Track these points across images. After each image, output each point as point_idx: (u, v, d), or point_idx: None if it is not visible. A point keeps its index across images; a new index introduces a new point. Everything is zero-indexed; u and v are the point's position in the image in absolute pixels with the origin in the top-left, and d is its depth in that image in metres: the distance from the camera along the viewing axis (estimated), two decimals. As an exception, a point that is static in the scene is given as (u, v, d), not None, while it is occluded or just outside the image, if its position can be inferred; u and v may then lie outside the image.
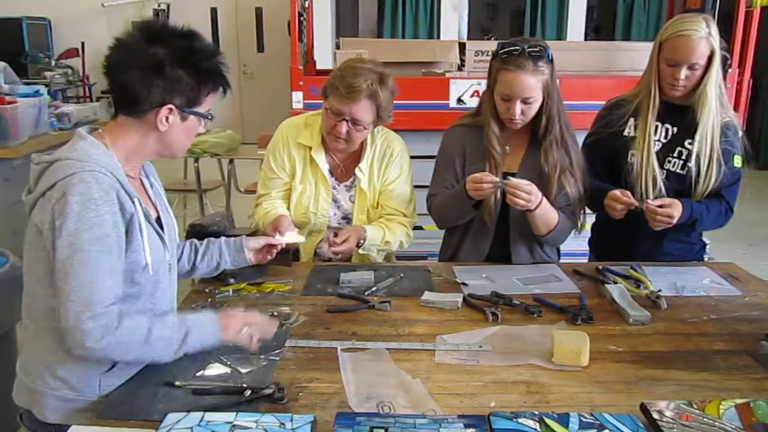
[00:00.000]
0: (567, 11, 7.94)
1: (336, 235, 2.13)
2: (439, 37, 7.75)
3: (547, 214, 2.07)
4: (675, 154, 2.17)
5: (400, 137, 2.38)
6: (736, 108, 3.64)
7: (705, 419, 1.23)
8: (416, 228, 2.44)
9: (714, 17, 4.02)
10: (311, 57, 4.44)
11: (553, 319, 1.75)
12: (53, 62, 8.03)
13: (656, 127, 2.17)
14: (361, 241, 2.17)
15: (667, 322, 1.75)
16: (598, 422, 1.22)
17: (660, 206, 2.04)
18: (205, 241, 1.82)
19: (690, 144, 2.14)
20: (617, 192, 2.08)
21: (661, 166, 2.18)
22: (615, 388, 1.40)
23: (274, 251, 1.92)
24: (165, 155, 1.50)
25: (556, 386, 1.41)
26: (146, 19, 1.66)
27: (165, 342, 1.38)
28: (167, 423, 1.20)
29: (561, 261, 2.31)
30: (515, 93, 2.00)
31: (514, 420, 1.21)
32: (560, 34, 7.92)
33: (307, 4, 4.19)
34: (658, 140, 2.18)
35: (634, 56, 3.64)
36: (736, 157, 2.17)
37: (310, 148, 2.26)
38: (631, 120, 2.20)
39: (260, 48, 9.34)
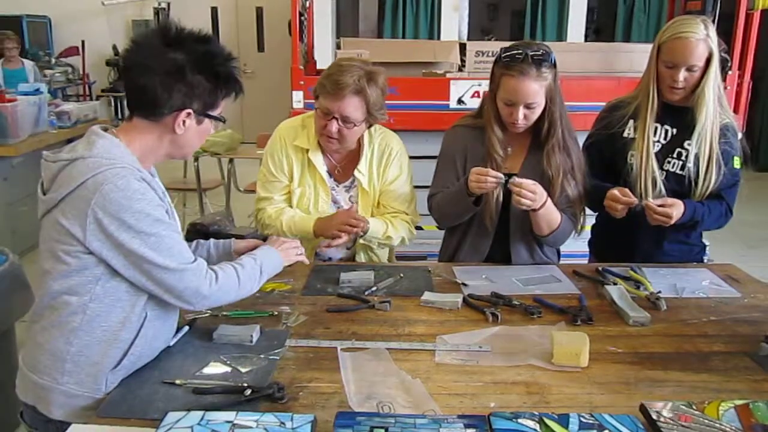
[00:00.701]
0: (567, 12, 7.94)
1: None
2: (439, 37, 7.75)
3: (551, 215, 2.07)
4: (674, 155, 2.18)
5: (398, 136, 2.38)
6: (735, 110, 3.65)
7: (704, 420, 1.23)
8: (416, 228, 2.44)
9: (714, 19, 4.03)
10: (312, 57, 4.44)
11: (553, 319, 1.75)
12: (53, 60, 8.03)
13: (656, 128, 2.18)
14: (361, 233, 2.18)
15: (666, 323, 1.75)
16: (597, 423, 1.22)
17: (661, 206, 2.04)
18: (195, 242, 1.82)
19: (689, 145, 2.14)
20: (616, 192, 2.08)
21: (661, 167, 2.18)
22: (614, 389, 1.41)
23: None
24: (176, 156, 1.53)
25: (556, 387, 1.41)
26: (160, 22, 1.69)
27: (250, 278, 1.55)
28: (167, 422, 1.20)
29: (561, 262, 2.31)
30: (518, 99, 2.00)
31: (514, 420, 1.22)
32: (560, 35, 7.92)
33: (307, 4, 4.20)
34: (658, 141, 2.18)
35: (635, 57, 3.64)
36: (735, 158, 2.17)
37: (308, 151, 2.26)
38: (631, 121, 2.20)
39: (260, 47, 9.34)
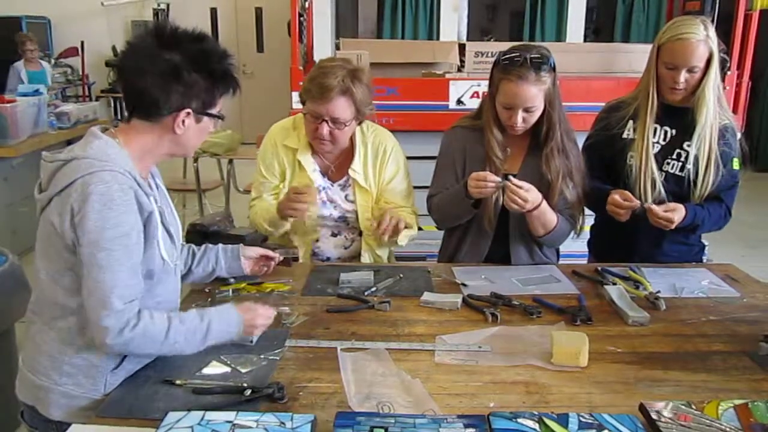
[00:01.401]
0: (566, 12, 7.93)
1: (379, 225, 2.13)
2: (438, 38, 7.74)
3: (546, 216, 2.07)
4: (674, 156, 2.18)
5: (390, 133, 2.39)
6: (735, 110, 3.65)
7: (704, 420, 1.24)
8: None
9: (713, 19, 4.03)
10: (311, 57, 4.44)
11: (553, 319, 1.75)
12: (53, 61, 8.02)
13: (655, 129, 2.18)
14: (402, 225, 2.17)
15: (665, 323, 1.75)
16: (597, 422, 1.22)
17: (665, 211, 2.05)
18: (203, 246, 1.83)
19: (689, 146, 2.14)
20: (617, 197, 2.08)
21: (660, 168, 2.18)
22: (614, 389, 1.41)
23: (271, 264, 1.94)
24: (177, 155, 1.53)
25: (556, 387, 1.41)
26: (156, 22, 1.67)
27: (185, 337, 1.41)
28: (167, 422, 1.20)
29: (560, 262, 2.32)
30: (517, 103, 2.00)
31: (514, 420, 1.22)
32: (560, 36, 7.92)
33: (307, 5, 4.19)
34: (657, 142, 2.19)
35: (634, 58, 3.64)
36: (734, 160, 2.18)
37: (296, 150, 2.26)
38: (630, 122, 2.20)
39: (260, 48, 9.34)
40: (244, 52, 9.34)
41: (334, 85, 2.06)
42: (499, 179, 1.98)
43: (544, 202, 2.04)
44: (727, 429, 1.21)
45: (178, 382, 1.38)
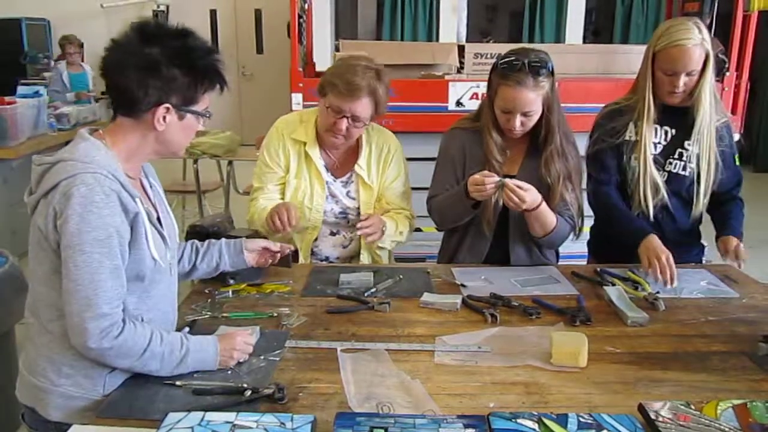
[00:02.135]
0: (566, 14, 7.94)
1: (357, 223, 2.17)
2: (438, 39, 7.75)
3: (545, 217, 2.07)
4: (676, 156, 2.18)
5: (394, 135, 2.40)
6: (734, 111, 3.66)
7: (702, 420, 1.24)
8: (415, 230, 2.44)
9: (712, 20, 4.04)
10: (311, 59, 4.44)
11: (552, 320, 1.76)
12: (52, 63, 8.02)
13: (655, 129, 2.18)
14: (384, 228, 2.20)
15: (664, 323, 1.76)
16: (596, 422, 1.23)
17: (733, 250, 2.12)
18: (206, 242, 1.83)
19: (689, 145, 2.15)
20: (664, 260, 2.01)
21: (663, 168, 2.19)
22: (613, 389, 1.41)
23: (277, 256, 1.93)
24: (165, 154, 1.51)
25: (555, 387, 1.42)
26: (142, 19, 1.66)
27: (162, 358, 1.39)
28: (168, 423, 1.21)
29: (559, 263, 2.32)
30: (515, 108, 2.01)
31: (513, 420, 1.22)
32: (559, 37, 7.93)
33: (306, 6, 4.20)
34: (659, 143, 2.19)
35: (633, 59, 3.64)
36: (735, 156, 2.20)
37: (305, 144, 2.27)
38: (631, 125, 2.20)
39: (259, 50, 9.34)
40: (243, 54, 9.34)
41: (363, 85, 2.08)
42: (497, 178, 1.98)
43: (544, 203, 2.04)
44: (726, 429, 1.22)
45: (178, 383, 1.39)
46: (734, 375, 1.48)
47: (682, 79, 2.05)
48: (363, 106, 2.12)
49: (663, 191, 2.16)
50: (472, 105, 3.34)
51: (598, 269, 2.11)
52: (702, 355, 1.58)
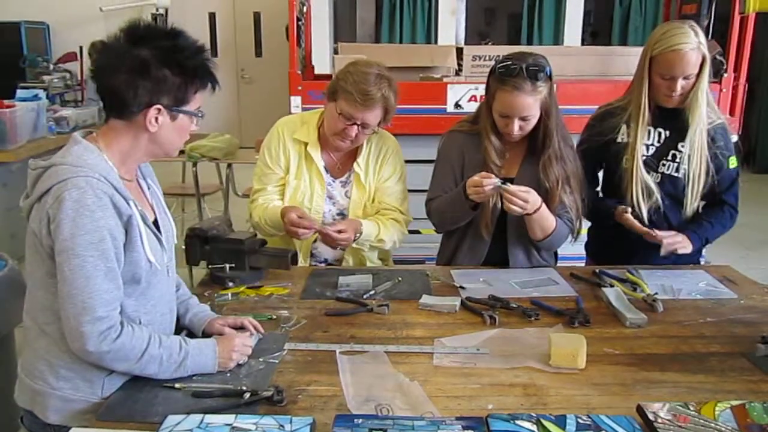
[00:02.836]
0: (564, 16, 7.96)
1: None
2: (436, 41, 7.77)
3: (545, 220, 2.08)
4: (669, 158, 2.19)
5: (393, 137, 2.41)
6: (731, 113, 3.66)
7: (701, 421, 1.24)
8: (414, 232, 2.44)
9: (710, 22, 4.04)
10: (309, 62, 4.45)
11: (551, 322, 1.76)
12: (52, 66, 8.02)
13: (649, 131, 2.19)
14: (357, 235, 2.19)
15: (663, 324, 1.76)
16: (594, 424, 1.23)
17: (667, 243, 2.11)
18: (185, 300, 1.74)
19: (683, 147, 2.16)
20: (637, 224, 2.13)
21: (656, 170, 2.20)
22: (611, 390, 1.41)
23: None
24: (159, 156, 1.50)
25: (554, 388, 1.42)
26: (131, 20, 1.64)
27: (161, 361, 1.39)
28: (167, 425, 1.21)
29: (558, 264, 2.32)
30: (513, 112, 2.01)
31: (512, 422, 1.23)
32: (557, 39, 7.95)
33: (305, 9, 4.20)
34: (652, 144, 2.20)
35: (631, 61, 3.62)
36: (730, 159, 2.20)
37: (306, 144, 2.27)
38: (624, 126, 2.21)
39: (258, 53, 9.34)
40: (242, 57, 9.35)
41: (378, 96, 2.09)
42: (496, 180, 1.99)
43: (544, 205, 2.05)
44: (724, 430, 1.22)
45: (177, 385, 1.39)
46: (732, 376, 1.48)
47: (680, 83, 2.06)
48: (375, 115, 2.14)
49: (656, 194, 2.17)
50: (471, 107, 3.35)
51: (597, 271, 2.11)
52: (700, 356, 1.58)
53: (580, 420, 1.24)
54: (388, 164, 2.33)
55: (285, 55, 4.39)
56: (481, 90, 3.22)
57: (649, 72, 2.11)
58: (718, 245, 2.42)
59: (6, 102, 4.71)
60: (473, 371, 1.49)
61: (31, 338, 1.44)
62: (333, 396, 1.37)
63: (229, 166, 4.84)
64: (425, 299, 1.87)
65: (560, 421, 1.23)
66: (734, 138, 2.25)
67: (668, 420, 1.24)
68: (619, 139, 2.22)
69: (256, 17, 9.23)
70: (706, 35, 2.08)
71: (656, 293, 1.92)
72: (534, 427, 1.21)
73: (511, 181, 2.10)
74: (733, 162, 2.21)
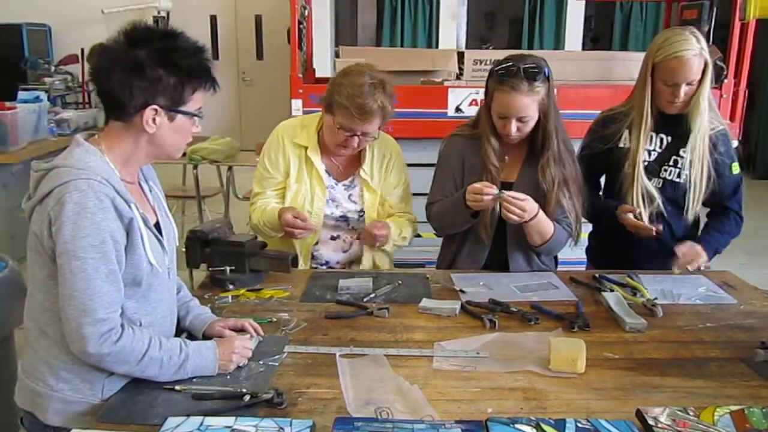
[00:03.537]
0: (565, 21, 7.98)
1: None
2: (437, 45, 7.78)
3: (542, 226, 2.08)
4: (670, 163, 2.20)
5: (393, 139, 2.42)
6: (732, 118, 3.67)
7: (700, 426, 1.24)
8: (414, 235, 2.45)
9: (710, 28, 4.05)
10: (311, 65, 4.46)
11: (550, 326, 1.76)
12: (53, 68, 8.03)
13: (651, 137, 2.20)
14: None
15: (663, 329, 1.76)
16: (594, 428, 1.23)
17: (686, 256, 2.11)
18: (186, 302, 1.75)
19: (684, 152, 2.16)
20: (634, 220, 2.14)
21: (658, 175, 2.20)
22: (611, 395, 1.42)
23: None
24: (161, 157, 1.50)
25: (553, 392, 1.42)
26: (130, 22, 1.64)
27: (161, 363, 1.39)
28: (167, 427, 1.21)
29: (558, 269, 2.32)
30: (511, 113, 2.02)
31: (511, 425, 1.23)
32: (558, 44, 7.96)
33: (306, 12, 4.21)
34: (654, 150, 2.20)
35: (631, 66, 3.65)
36: (733, 165, 2.20)
37: (306, 149, 2.28)
38: (626, 132, 2.22)
39: (259, 55, 9.36)
40: (243, 60, 9.36)
41: (375, 108, 2.09)
42: (496, 191, 1.99)
43: (541, 211, 2.05)
44: (724, 435, 1.22)
45: (177, 387, 1.39)
46: (732, 381, 1.48)
47: (683, 89, 2.07)
48: (374, 125, 2.15)
49: (658, 200, 2.17)
50: (472, 111, 3.35)
51: (597, 275, 2.11)
52: (700, 361, 1.58)
53: (579, 424, 1.24)
54: (394, 171, 2.36)
55: (286, 58, 4.40)
56: (481, 94, 3.23)
57: (652, 79, 2.11)
58: (719, 251, 2.42)
59: (7, 104, 4.72)
60: (473, 375, 1.49)
61: (31, 340, 1.44)
62: (333, 399, 1.37)
63: (230, 168, 4.85)
64: (425, 303, 1.87)
65: (560, 425, 1.23)
66: (734, 144, 2.25)
67: (667, 425, 1.24)
68: (621, 144, 2.22)
69: (258, 20, 9.24)
70: (707, 41, 2.08)
71: (656, 298, 1.92)
72: (533, 431, 1.21)
73: (511, 185, 2.10)
74: (735, 168, 2.21)
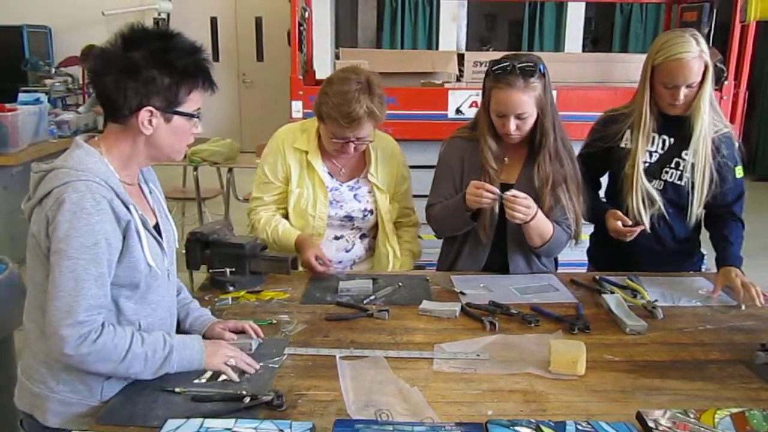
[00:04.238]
0: (565, 23, 7.99)
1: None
2: (437, 47, 7.79)
3: (542, 227, 2.08)
4: (672, 165, 2.19)
5: (389, 136, 2.44)
6: (732, 120, 3.66)
7: (700, 428, 1.24)
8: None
9: (710, 29, 4.05)
10: (311, 67, 4.46)
11: (551, 328, 1.76)
12: (53, 70, 8.04)
13: (653, 138, 2.19)
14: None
15: (663, 331, 1.76)
16: (594, 430, 1.23)
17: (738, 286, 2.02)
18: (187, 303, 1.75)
19: (686, 155, 2.16)
20: (619, 225, 2.13)
21: (659, 177, 2.20)
22: (611, 397, 1.41)
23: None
24: (160, 159, 1.49)
25: (553, 395, 1.42)
26: (128, 24, 1.63)
27: (145, 359, 1.38)
28: (167, 429, 1.21)
29: (559, 271, 2.32)
30: (508, 110, 2.02)
31: (511, 428, 1.23)
32: (558, 46, 7.97)
33: (306, 14, 4.21)
34: (656, 151, 2.20)
35: (631, 68, 3.66)
36: (736, 168, 2.19)
37: (307, 153, 2.28)
38: (628, 132, 2.22)
39: (260, 57, 9.37)
40: (243, 61, 9.37)
41: (361, 114, 2.09)
42: (497, 191, 1.99)
43: (540, 212, 2.05)
44: (724, 437, 1.22)
45: (177, 389, 1.39)
46: (732, 383, 1.48)
47: (683, 92, 2.06)
48: (366, 129, 2.15)
49: (659, 202, 2.17)
50: (472, 113, 3.33)
51: (597, 277, 2.11)
52: (700, 363, 1.58)
53: (579, 426, 1.24)
54: (399, 170, 2.39)
55: (286, 60, 4.40)
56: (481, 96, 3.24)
57: (652, 81, 2.11)
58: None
59: (8, 105, 4.72)
60: (473, 377, 1.49)
61: (30, 341, 1.44)
62: (333, 401, 1.37)
63: (230, 170, 4.85)
64: (425, 305, 1.87)
65: (560, 427, 1.23)
66: (736, 144, 2.25)
67: (668, 427, 1.24)
68: (622, 145, 2.22)
69: (258, 22, 9.26)
70: (707, 43, 2.08)
71: (656, 300, 1.92)
72: (533, 434, 1.21)
73: (511, 186, 2.10)
74: (739, 172, 2.20)
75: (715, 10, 4.03)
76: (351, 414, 1.31)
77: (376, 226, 2.38)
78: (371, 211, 2.34)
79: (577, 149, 2.24)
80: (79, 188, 1.31)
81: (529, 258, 2.21)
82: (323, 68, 4.57)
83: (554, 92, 2.11)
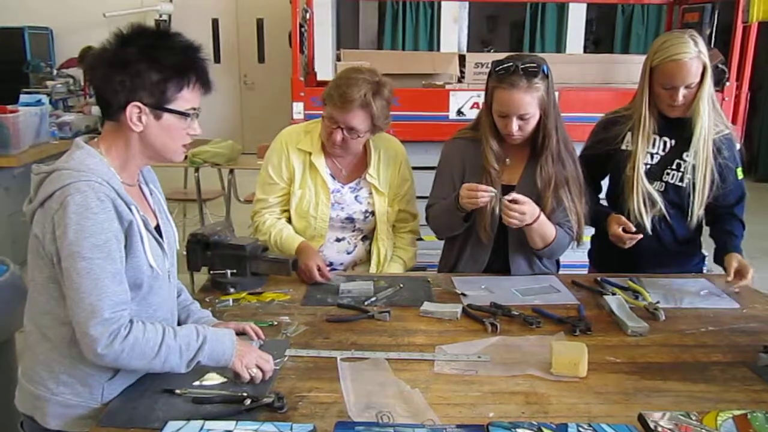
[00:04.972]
0: (566, 24, 7.99)
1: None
2: (439, 49, 7.80)
3: (544, 229, 2.07)
4: (673, 167, 2.19)
5: (399, 141, 2.44)
6: (734, 121, 3.66)
7: (703, 430, 1.24)
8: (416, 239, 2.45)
9: (712, 30, 4.05)
10: (312, 68, 4.46)
11: (552, 329, 1.76)
12: (55, 71, 8.05)
13: (654, 140, 2.19)
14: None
15: (665, 333, 1.76)
16: (596, 433, 1.23)
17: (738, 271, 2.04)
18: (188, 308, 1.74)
19: (687, 156, 2.16)
20: (619, 231, 2.12)
21: (660, 179, 2.20)
22: (613, 399, 1.41)
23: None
24: (158, 159, 1.48)
25: (555, 397, 1.41)
26: (126, 25, 1.63)
27: (181, 350, 1.38)
28: (167, 431, 1.21)
29: (560, 272, 2.32)
30: (511, 111, 2.01)
31: (513, 430, 1.22)
32: (559, 47, 7.97)
33: (308, 16, 4.21)
34: (657, 153, 2.20)
35: (633, 69, 3.65)
36: (738, 170, 2.19)
37: (310, 154, 2.28)
38: (629, 134, 2.21)
39: (261, 59, 9.37)
40: (245, 63, 9.37)
41: (355, 97, 2.10)
42: (493, 189, 1.99)
43: (542, 215, 2.05)
44: (726, 439, 1.22)
45: (177, 391, 1.39)
46: (734, 385, 1.48)
47: (681, 93, 2.06)
48: (357, 119, 2.14)
49: (660, 203, 2.16)
50: (473, 114, 3.34)
51: (599, 279, 2.11)
52: (702, 365, 1.58)
53: (581, 428, 1.24)
54: (402, 173, 2.38)
55: (288, 62, 4.40)
56: (483, 97, 3.24)
57: (651, 82, 2.11)
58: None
59: (9, 107, 4.72)
60: (474, 379, 1.49)
61: (31, 343, 1.44)
62: (334, 403, 1.37)
63: (231, 171, 4.85)
64: (426, 306, 1.87)
65: (561, 429, 1.23)
66: (737, 145, 2.24)
67: (670, 429, 1.24)
68: (623, 147, 2.22)
69: (259, 23, 9.26)
70: (709, 44, 2.08)
71: (658, 302, 1.92)
72: (535, 436, 1.21)
73: (513, 188, 2.10)
74: (740, 173, 2.20)
75: (717, 11, 4.03)
76: (352, 416, 1.31)
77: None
78: (372, 213, 2.34)
79: (577, 151, 2.24)
80: (82, 189, 1.31)
81: (530, 259, 2.21)
82: (324, 70, 4.57)
83: (557, 93, 2.11)
